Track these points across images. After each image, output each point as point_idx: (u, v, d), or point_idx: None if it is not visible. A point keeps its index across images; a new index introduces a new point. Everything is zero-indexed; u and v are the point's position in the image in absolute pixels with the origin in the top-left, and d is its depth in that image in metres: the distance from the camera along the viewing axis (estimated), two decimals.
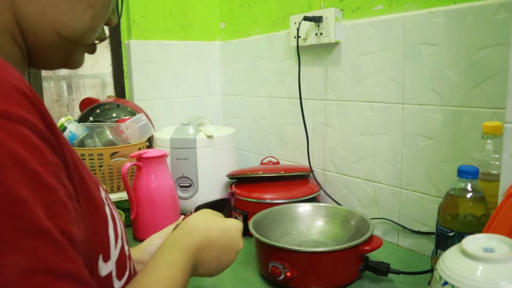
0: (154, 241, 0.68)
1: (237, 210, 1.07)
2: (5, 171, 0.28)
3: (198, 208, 0.66)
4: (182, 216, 0.69)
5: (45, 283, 0.29)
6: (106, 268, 0.41)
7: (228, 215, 0.70)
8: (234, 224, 0.61)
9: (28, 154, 0.30)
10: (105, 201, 0.45)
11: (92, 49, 0.49)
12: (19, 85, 0.32)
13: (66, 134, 1.16)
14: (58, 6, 0.41)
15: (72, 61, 0.47)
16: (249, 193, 1.06)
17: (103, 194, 0.45)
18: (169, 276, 0.48)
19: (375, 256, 0.89)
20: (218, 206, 0.70)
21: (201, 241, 0.55)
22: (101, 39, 0.48)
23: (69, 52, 0.46)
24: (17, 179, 0.29)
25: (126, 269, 0.47)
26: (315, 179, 1.15)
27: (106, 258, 0.41)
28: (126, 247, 0.48)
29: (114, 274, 0.43)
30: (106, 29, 0.51)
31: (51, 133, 0.34)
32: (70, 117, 1.20)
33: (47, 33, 0.42)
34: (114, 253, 0.43)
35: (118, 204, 1.13)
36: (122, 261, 0.45)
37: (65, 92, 1.42)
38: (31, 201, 0.29)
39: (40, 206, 0.30)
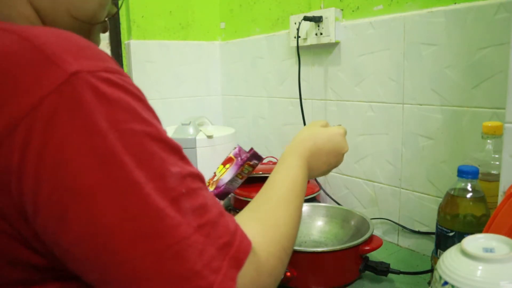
0: None
1: (237, 210, 1.07)
2: (144, 109, 0.37)
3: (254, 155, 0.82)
4: None
5: (191, 182, 0.38)
6: None
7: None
8: (336, 131, 0.69)
9: (145, 99, 0.38)
10: None
11: (105, 28, 0.52)
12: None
13: None
14: None
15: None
16: (249, 193, 1.06)
17: None
18: (290, 174, 0.58)
19: (375, 256, 0.89)
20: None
21: (311, 148, 0.64)
22: (112, 15, 0.51)
23: (87, 34, 0.48)
24: (151, 115, 0.38)
25: None
26: (315, 179, 1.15)
27: None
28: None
29: None
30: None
31: None
32: None
33: (64, 19, 0.45)
34: None
35: None
36: None
37: None
38: (163, 130, 0.39)
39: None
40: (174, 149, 0.39)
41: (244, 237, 0.41)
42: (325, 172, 0.68)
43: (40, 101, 0.32)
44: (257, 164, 0.85)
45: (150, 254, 0.34)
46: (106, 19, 0.51)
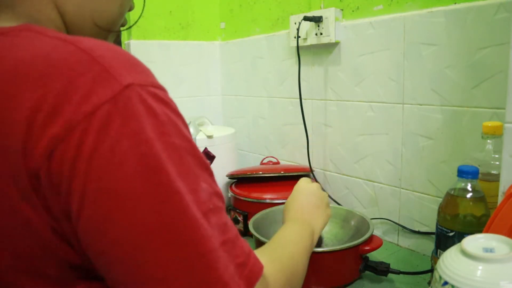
0: None
1: (237, 210, 1.07)
2: (182, 125, 0.39)
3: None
4: None
5: (217, 201, 0.41)
6: None
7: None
8: (298, 183, 0.78)
9: (182, 115, 0.41)
10: None
11: (118, 36, 0.57)
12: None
13: None
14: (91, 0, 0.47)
15: None
16: (249, 193, 1.06)
17: None
18: (289, 230, 0.64)
19: (375, 256, 0.89)
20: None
21: (296, 209, 0.71)
22: (124, 24, 0.55)
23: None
24: (187, 131, 0.40)
25: None
26: (315, 179, 1.15)
27: None
28: None
29: None
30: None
31: None
32: None
33: (87, 24, 0.48)
34: None
35: None
36: None
37: None
38: (196, 146, 0.41)
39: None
40: (205, 166, 0.41)
41: (257, 260, 0.43)
42: (324, 213, 0.74)
43: (96, 108, 0.34)
44: (210, 163, 0.85)
45: (184, 259, 0.36)
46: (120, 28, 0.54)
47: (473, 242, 0.47)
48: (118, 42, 1.45)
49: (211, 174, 0.42)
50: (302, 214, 0.69)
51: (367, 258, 0.81)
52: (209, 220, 0.38)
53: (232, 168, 1.24)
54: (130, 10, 0.54)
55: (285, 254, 0.55)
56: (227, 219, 0.42)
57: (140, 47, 1.40)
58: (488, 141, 0.71)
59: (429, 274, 0.79)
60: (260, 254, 0.47)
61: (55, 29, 0.45)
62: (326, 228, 0.95)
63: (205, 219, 0.38)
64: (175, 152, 0.37)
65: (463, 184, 0.67)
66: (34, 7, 0.45)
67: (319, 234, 0.71)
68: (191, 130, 1.19)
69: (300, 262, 0.57)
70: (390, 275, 0.81)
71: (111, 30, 0.51)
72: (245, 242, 0.43)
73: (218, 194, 0.42)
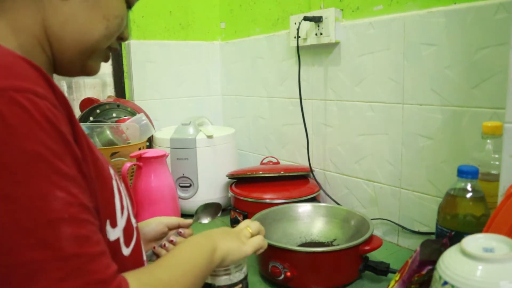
0: (151, 223, 0.79)
1: (237, 210, 1.07)
2: (43, 131, 0.38)
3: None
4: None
5: (77, 212, 0.39)
6: (113, 233, 0.49)
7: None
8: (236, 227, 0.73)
9: (47, 125, 0.39)
10: (113, 176, 0.53)
11: (106, 58, 0.57)
12: (33, 64, 0.40)
13: None
14: (78, 17, 0.49)
15: (89, 68, 0.54)
16: (249, 193, 1.06)
17: (111, 170, 0.53)
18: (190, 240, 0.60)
19: (375, 256, 0.89)
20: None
21: (213, 231, 0.66)
22: (114, 49, 0.57)
23: (86, 58, 0.53)
24: (54, 142, 0.39)
25: (133, 238, 0.54)
26: (315, 179, 1.15)
27: (114, 225, 0.49)
28: (133, 220, 0.56)
29: (121, 240, 0.50)
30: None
31: (66, 110, 0.42)
32: None
33: (69, 40, 0.50)
34: (121, 222, 0.51)
35: None
36: (129, 231, 0.53)
37: (65, 92, 1.42)
38: (62, 153, 0.40)
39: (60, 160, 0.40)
40: (68, 176, 0.40)
41: (124, 281, 0.42)
42: (236, 240, 0.66)
43: None
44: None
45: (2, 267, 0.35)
46: (109, 51, 0.56)
47: (473, 242, 0.47)
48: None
49: (77, 185, 0.41)
50: (210, 233, 0.64)
51: (367, 258, 0.81)
52: (58, 229, 0.37)
53: (232, 168, 1.24)
54: (122, 39, 0.56)
55: (169, 276, 0.50)
56: (93, 233, 0.41)
57: (140, 47, 1.40)
58: (488, 141, 0.71)
59: None
60: (138, 275, 0.45)
61: (36, 43, 0.48)
62: (326, 228, 0.95)
63: (50, 228, 0.37)
64: (21, 157, 0.37)
65: (463, 184, 0.67)
66: (18, 18, 0.47)
67: (222, 256, 0.61)
68: (191, 130, 1.19)
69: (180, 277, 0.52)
70: (390, 275, 0.81)
71: (94, 49, 0.52)
72: (114, 264, 0.42)
73: (83, 206, 0.40)
